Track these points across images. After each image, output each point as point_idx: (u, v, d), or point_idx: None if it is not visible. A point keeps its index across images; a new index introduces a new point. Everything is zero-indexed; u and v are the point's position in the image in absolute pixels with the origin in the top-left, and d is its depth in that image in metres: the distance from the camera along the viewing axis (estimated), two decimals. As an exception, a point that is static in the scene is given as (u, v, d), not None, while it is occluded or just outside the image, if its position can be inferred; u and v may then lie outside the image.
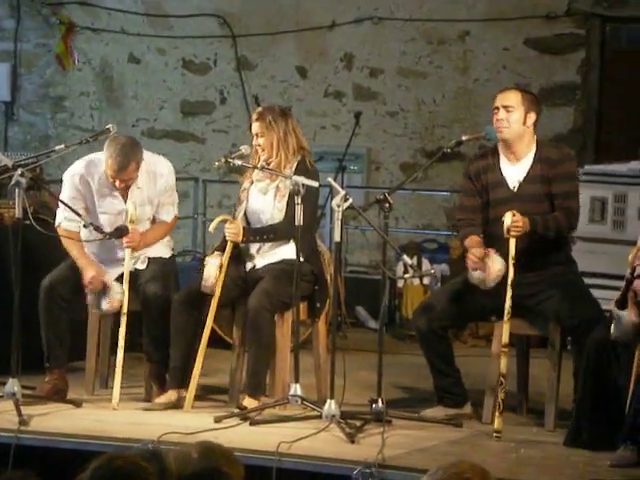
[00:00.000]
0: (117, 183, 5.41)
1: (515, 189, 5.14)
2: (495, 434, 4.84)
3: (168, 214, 5.58)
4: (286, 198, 5.33)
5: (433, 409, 5.20)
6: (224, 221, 5.41)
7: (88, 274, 5.34)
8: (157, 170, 5.53)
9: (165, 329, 5.35)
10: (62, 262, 5.51)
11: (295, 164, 5.37)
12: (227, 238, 5.34)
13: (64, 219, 5.49)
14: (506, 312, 4.91)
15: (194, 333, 5.30)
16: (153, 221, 5.59)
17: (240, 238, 5.31)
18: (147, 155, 5.53)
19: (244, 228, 5.35)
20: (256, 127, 5.37)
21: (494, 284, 4.97)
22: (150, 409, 5.25)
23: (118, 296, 5.32)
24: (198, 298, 5.29)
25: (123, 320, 5.32)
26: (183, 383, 5.28)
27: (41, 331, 5.40)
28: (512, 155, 5.18)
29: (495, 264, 4.96)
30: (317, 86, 8.93)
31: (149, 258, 5.52)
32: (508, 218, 4.93)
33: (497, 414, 4.87)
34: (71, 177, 5.51)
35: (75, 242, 5.46)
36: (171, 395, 5.29)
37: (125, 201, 5.48)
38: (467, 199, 5.28)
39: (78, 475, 2.59)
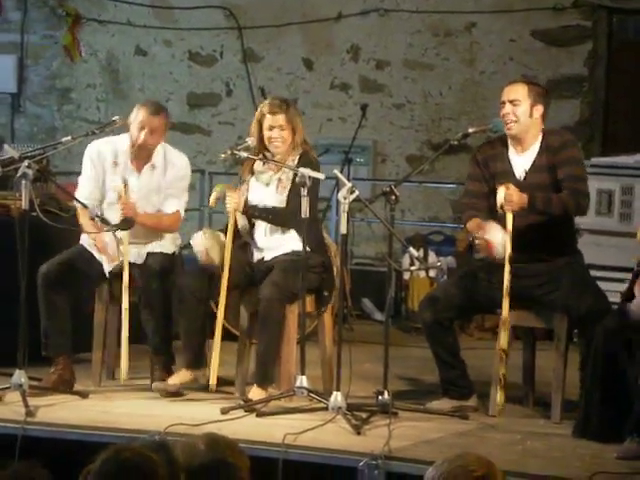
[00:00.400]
0: (143, 134, 5.42)
1: (522, 179, 5.14)
2: (498, 407, 4.90)
3: (170, 206, 5.55)
4: (287, 190, 5.34)
5: (439, 401, 5.20)
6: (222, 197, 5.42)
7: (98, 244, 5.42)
8: (173, 160, 5.59)
9: (163, 319, 5.36)
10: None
11: (297, 156, 5.36)
12: (228, 207, 5.35)
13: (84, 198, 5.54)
14: (505, 286, 4.91)
15: (200, 318, 5.30)
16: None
17: (241, 207, 5.32)
18: (169, 146, 5.63)
19: (246, 201, 5.35)
20: (280, 119, 5.32)
21: (503, 251, 4.95)
22: (163, 389, 5.25)
23: (113, 252, 5.39)
24: (201, 283, 5.29)
25: (125, 308, 5.35)
26: (193, 363, 5.30)
27: (40, 319, 5.41)
28: (520, 146, 5.18)
29: (495, 236, 4.97)
30: (323, 78, 8.92)
31: (148, 253, 5.52)
32: (501, 192, 4.94)
33: (499, 388, 4.89)
34: (89, 152, 5.62)
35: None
36: (183, 375, 5.30)
37: (137, 177, 5.52)
38: (472, 184, 5.27)
39: (85, 466, 2.59)
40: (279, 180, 5.39)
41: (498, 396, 4.93)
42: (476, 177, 5.25)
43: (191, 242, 5.32)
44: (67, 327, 5.43)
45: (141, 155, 5.55)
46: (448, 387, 5.22)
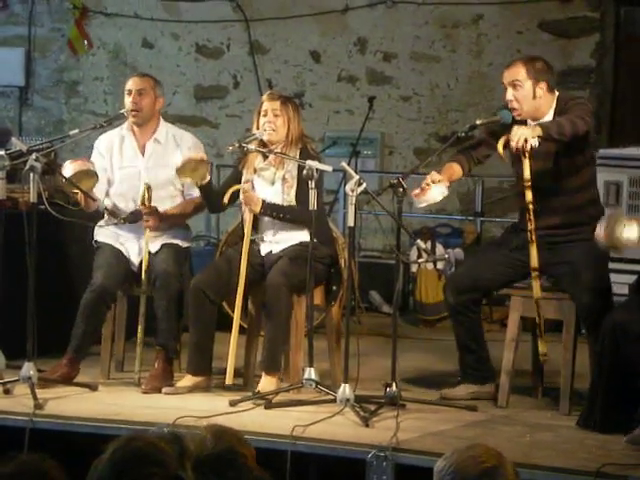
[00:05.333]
0: (132, 97, 5.50)
1: (535, 145, 5.06)
2: (542, 358, 4.95)
3: (194, 188, 5.52)
4: (294, 189, 5.32)
5: (455, 388, 5.21)
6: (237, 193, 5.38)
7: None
8: (183, 138, 5.61)
9: (175, 308, 5.35)
10: (100, 256, 5.49)
11: (297, 152, 5.34)
12: (245, 206, 5.33)
13: None
14: (531, 236, 4.87)
15: (211, 319, 5.30)
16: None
17: (258, 208, 5.30)
18: (174, 127, 5.72)
19: (263, 200, 5.33)
20: (275, 105, 5.32)
21: (421, 205, 5.07)
22: (174, 393, 5.25)
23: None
24: (214, 283, 5.29)
25: (142, 299, 5.39)
26: (199, 370, 5.29)
27: (77, 322, 5.37)
28: (536, 120, 5.09)
29: (432, 191, 5.03)
30: (331, 70, 8.91)
31: (162, 244, 5.53)
32: (500, 148, 4.89)
33: (539, 339, 4.94)
34: (97, 144, 5.72)
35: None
36: (189, 380, 5.30)
37: (143, 154, 5.51)
38: (484, 134, 5.25)
39: (93, 459, 2.59)
40: (284, 179, 5.36)
41: (540, 346, 4.94)
42: (490, 132, 5.21)
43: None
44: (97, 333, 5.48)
45: (143, 131, 5.58)
46: (466, 370, 5.21)
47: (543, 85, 5.08)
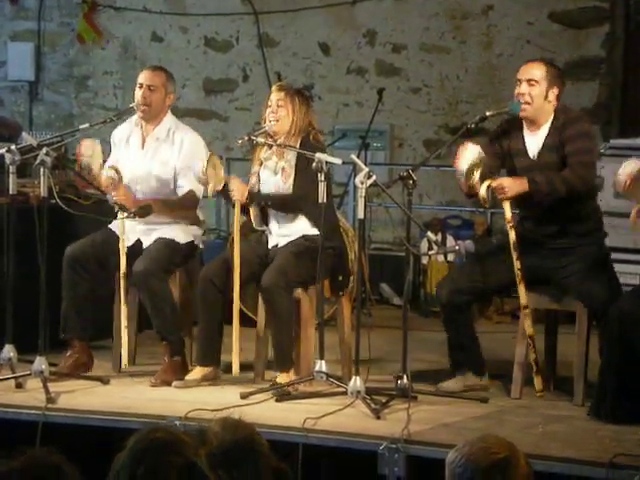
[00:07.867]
0: (142, 92, 5.48)
1: (535, 158, 5.14)
2: (538, 394, 4.99)
3: (182, 186, 5.47)
4: (291, 178, 5.32)
5: (450, 381, 5.21)
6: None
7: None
8: (182, 136, 5.56)
9: (163, 302, 5.33)
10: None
11: (299, 141, 5.33)
12: (232, 198, 5.33)
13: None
14: (517, 274, 4.95)
15: (219, 310, 5.30)
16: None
17: (245, 197, 5.30)
18: (181, 124, 5.67)
19: (249, 191, 5.33)
20: (280, 96, 5.31)
21: (464, 167, 5.08)
22: (183, 386, 5.25)
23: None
24: (223, 273, 5.29)
25: (122, 282, 5.38)
26: (208, 360, 5.30)
27: (60, 304, 5.42)
28: (533, 126, 5.17)
29: (469, 148, 5.06)
30: (340, 63, 8.90)
31: (156, 238, 5.48)
32: (483, 189, 4.97)
33: (534, 374, 5.00)
34: (112, 135, 5.74)
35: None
36: (199, 372, 5.31)
37: (143, 146, 5.54)
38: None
39: (107, 452, 2.60)
40: (283, 169, 5.37)
41: (536, 384, 5.01)
42: (486, 149, 5.23)
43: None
44: (87, 310, 5.44)
45: (148, 125, 5.58)
46: (457, 367, 5.22)
47: (555, 90, 5.12)
